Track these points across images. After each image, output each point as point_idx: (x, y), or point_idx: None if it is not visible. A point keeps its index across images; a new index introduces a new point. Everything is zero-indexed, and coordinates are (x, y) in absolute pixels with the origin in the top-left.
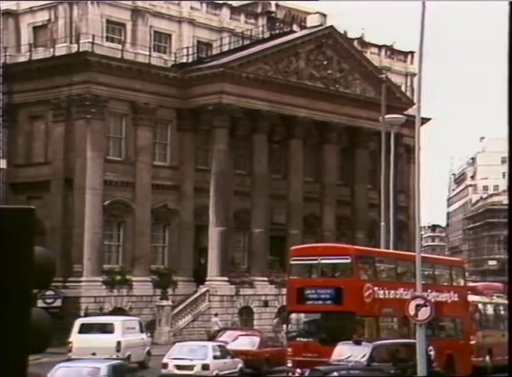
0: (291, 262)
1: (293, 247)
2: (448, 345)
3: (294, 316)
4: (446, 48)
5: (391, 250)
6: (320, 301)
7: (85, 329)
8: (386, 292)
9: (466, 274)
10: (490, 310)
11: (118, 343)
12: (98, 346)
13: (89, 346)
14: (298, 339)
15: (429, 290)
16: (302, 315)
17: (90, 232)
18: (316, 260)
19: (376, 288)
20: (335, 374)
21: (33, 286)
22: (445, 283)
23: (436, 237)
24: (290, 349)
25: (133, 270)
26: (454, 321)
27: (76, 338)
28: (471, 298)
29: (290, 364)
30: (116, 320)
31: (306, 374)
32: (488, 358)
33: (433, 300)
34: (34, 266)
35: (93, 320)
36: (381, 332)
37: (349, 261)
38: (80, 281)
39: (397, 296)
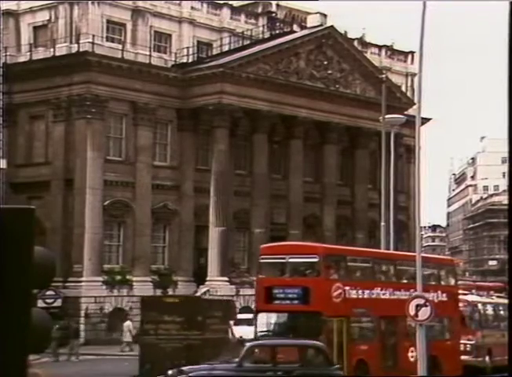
0: (260, 260)
1: (262, 245)
2: (434, 346)
3: (262, 315)
4: (446, 48)
5: (366, 249)
6: (288, 301)
7: (238, 322)
8: (360, 292)
9: (467, 274)
10: (490, 310)
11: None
12: (244, 335)
13: (239, 335)
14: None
15: (411, 290)
16: (270, 315)
17: (90, 232)
18: (284, 259)
19: (348, 288)
20: (192, 374)
21: (33, 286)
22: (433, 283)
23: (436, 237)
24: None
25: (133, 270)
26: (441, 321)
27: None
28: (470, 297)
29: None
30: None
31: (169, 373)
32: (487, 358)
33: None
34: (34, 266)
35: (242, 316)
36: (353, 332)
37: (316, 260)
38: (80, 281)
39: (373, 296)
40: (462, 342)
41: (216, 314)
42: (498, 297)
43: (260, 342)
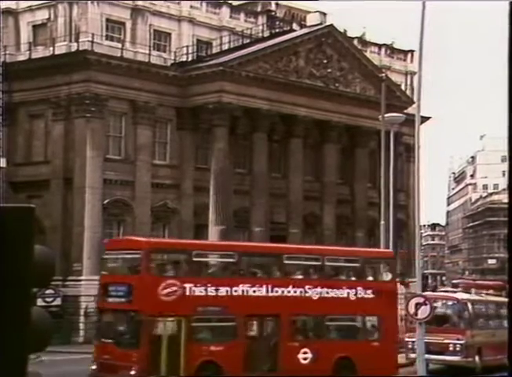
0: (103, 256)
1: (105, 240)
2: (344, 346)
3: (101, 314)
4: (446, 47)
5: (223, 243)
6: (117, 299)
7: None
8: (212, 289)
9: (466, 272)
10: (480, 308)
11: None
12: None
13: None
14: (101, 340)
15: (307, 286)
16: (106, 314)
17: (90, 231)
18: (118, 254)
19: (191, 285)
20: None
21: (33, 284)
22: (353, 278)
23: (435, 236)
24: (94, 350)
25: None
26: (362, 320)
27: None
28: (459, 295)
29: (94, 367)
30: None
31: None
32: (477, 358)
33: (316, 296)
34: (33, 265)
35: None
36: (196, 332)
37: (139, 255)
38: (80, 280)
39: (236, 293)
40: (450, 341)
41: None
42: (487, 294)
43: None
